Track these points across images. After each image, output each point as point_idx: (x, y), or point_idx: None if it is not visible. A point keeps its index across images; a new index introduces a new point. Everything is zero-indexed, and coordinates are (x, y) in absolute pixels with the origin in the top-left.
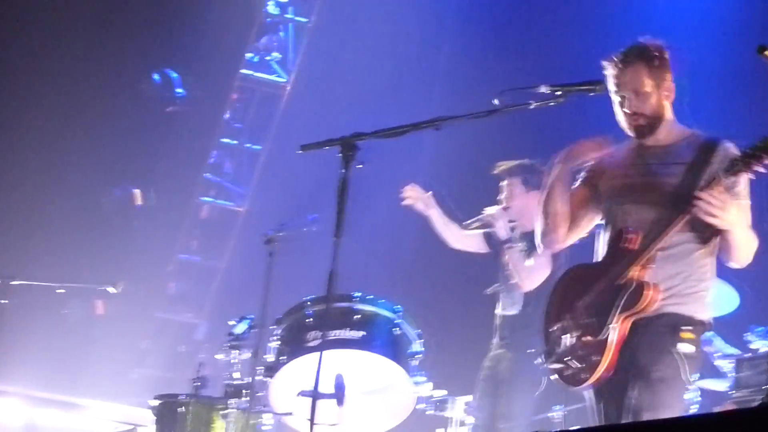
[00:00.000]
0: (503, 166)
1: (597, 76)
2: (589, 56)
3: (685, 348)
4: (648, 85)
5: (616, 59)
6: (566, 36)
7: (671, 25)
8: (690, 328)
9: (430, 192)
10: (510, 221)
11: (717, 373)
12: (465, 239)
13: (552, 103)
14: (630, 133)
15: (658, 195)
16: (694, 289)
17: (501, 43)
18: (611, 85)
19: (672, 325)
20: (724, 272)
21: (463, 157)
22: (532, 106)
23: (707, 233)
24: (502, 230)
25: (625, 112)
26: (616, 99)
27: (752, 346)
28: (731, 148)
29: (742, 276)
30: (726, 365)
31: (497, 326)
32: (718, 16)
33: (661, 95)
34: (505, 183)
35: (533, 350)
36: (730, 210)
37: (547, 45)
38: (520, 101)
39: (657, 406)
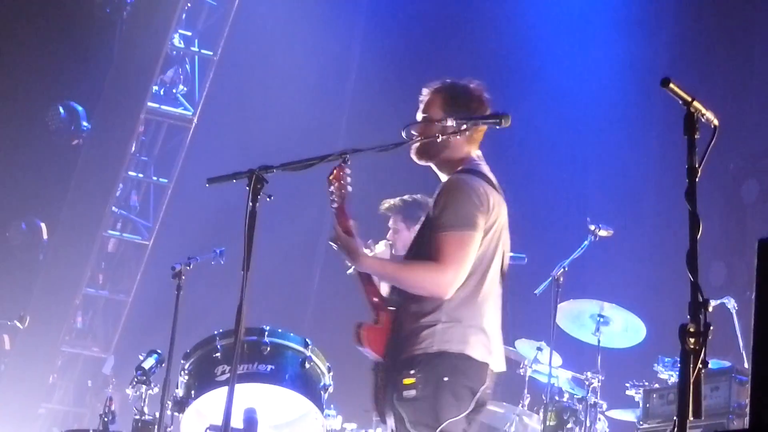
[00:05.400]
0: (386, 204)
1: (503, 109)
2: (494, 90)
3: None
4: (437, 113)
5: (430, 87)
6: (471, 70)
7: (577, 56)
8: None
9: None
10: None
11: (626, 404)
12: None
13: (459, 136)
14: (412, 156)
15: None
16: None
17: (407, 76)
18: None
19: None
20: (631, 304)
21: (368, 189)
22: (439, 139)
23: None
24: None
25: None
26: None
27: (661, 377)
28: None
29: (649, 307)
30: (636, 395)
31: None
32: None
33: (447, 129)
34: (390, 221)
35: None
36: (340, 242)
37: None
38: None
39: None
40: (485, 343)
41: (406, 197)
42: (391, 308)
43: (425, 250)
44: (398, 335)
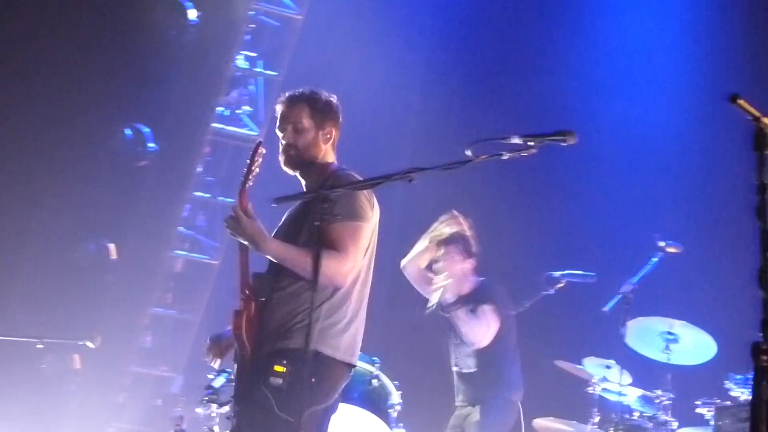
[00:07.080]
0: (441, 235)
1: (569, 125)
2: (559, 105)
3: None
4: (307, 123)
5: (284, 98)
6: (537, 91)
7: (645, 69)
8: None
9: None
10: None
11: (697, 422)
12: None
13: (524, 154)
14: (283, 167)
15: None
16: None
17: (473, 95)
18: (278, 123)
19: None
20: (701, 321)
21: (434, 204)
22: (504, 157)
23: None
24: (448, 294)
25: (281, 144)
26: (280, 135)
27: (732, 394)
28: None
29: (719, 324)
30: (706, 413)
31: (457, 383)
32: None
33: (319, 136)
34: (441, 252)
35: (499, 401)
36: (242, 225)
37: (517, 95)
38: (492, 152)
39: None
40: (353, 343)
41: (462, 229)
42: (261, 299)
43: (310, 238)
44: (269, 327)
